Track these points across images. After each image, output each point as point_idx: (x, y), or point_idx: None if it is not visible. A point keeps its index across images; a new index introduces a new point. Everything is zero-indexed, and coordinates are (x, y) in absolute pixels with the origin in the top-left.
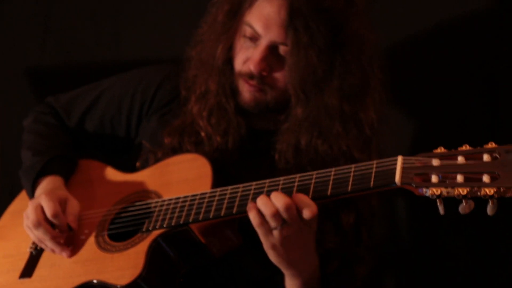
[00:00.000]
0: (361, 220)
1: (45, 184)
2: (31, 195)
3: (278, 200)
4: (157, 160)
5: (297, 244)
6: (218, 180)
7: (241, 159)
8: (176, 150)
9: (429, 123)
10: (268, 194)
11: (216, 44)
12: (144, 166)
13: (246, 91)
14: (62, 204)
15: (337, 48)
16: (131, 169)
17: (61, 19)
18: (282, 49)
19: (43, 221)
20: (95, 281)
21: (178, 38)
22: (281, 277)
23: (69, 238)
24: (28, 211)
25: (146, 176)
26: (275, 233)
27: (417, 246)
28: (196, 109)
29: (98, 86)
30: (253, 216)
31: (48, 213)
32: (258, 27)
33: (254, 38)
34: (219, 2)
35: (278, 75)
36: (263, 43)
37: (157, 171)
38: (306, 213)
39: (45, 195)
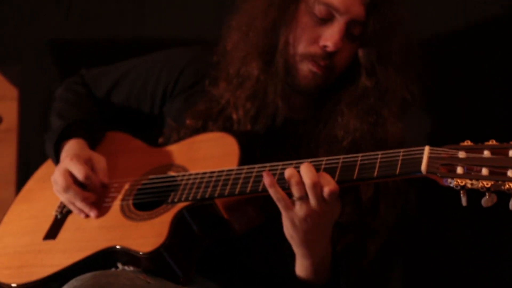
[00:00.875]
0: (380, 195)
1: (68, 147)
2: (54, 157)
3: (306, 172)
4: (180, 138)
5: (315, 226)
6: (244, 159)
7: (268, 143)
8: (199, 132)
9: (450, 119)
10: None
11: (269, 26)
12: (167, 143)
13: (309, 72)
14: (88, 164)
15: (400, 25)
16: (154, 144)
17: None
18: (356, 28)
19: (72, 184)
20: (118, 246)
21: (203, 19)
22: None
23: (95, 203)
24: (55, 176)
25: (173, 151)
26: (296, 207)
27: (425, 236)
28: (229, 93)
29: (127, 63)
30: (272, 187)
31: (80, 176)
32: (339, 4)
33: (328, 17)
34: None
35: (345, 53)
36: (343, 20)
37: (184, 147)
38: (326, 190)
39: (69, 159)
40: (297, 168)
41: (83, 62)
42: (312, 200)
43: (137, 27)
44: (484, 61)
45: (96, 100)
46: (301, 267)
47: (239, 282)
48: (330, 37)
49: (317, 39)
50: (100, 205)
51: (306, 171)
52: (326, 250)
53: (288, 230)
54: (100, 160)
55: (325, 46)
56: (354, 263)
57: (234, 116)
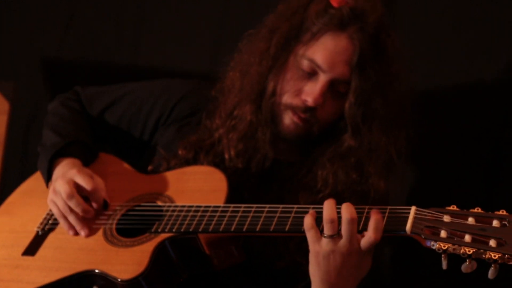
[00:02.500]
0: None
1: (65, 164)
2: (45, 172)
3: (347, 209)
4: (169, 168)
5: (337, 268)
6: (231, 198)
7: (256, 185)
8: (189, 163)
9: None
10: (279, 217)
11: (263, 72)
12: (156, 171)
13: (291, 122)
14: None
15: (387, 85)
16: (143, 171)
17: (84, 16)
18: (340, 86)
19: (76, 194)
20: (97, 270)
21: (197, 52)
22: None
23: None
24: (57, 185)
25: (161, 180)
26: (324, 241)
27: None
28: (223, 131)
29: (124, 86)
30: (308, 217)
31: (88, 187)
32: (322, 63)
33: (313, 72)
34: (265, 32)
35: (328, 108)
36: (325, 78)
37: (172, 177)
38: (367, 234)
39: (77, 172)
40: (284, 211)
41: (75, 83)
42: (344, 237)
43: (132, 54)
44: (473, 124)
45: (89, 119)
46: None
47: None
48: (310, 92)
49: (300, 92)
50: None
51: (348, 208)
52: None
53: (311, 266)
54: (100, 182)
55: (305, 100)
56: None
57: (226, 156)
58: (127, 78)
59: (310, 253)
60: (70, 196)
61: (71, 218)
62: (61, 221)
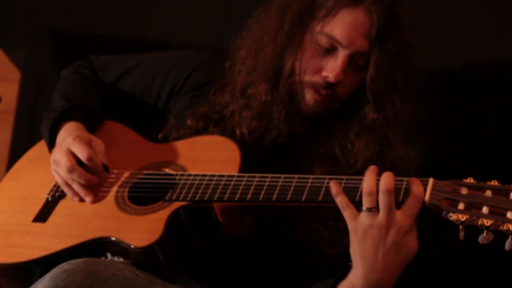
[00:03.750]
0: None
1: (67, 128)
2: (47, 135)
3: (384, 180)
4: (179, 137)
5: (377, 244)
6: (244, 168)
7: (269, 159)
8: (199, 133)
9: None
10: (295, 187)
11: (279, 52)
12: (166, 139)
13: (312, 100)
14: (89, 144)
15: (405, 55)
16: (153, 139)
17: None
18: (361, 58)
19: (77, 165)
20: (113, 238)
21: (204, 25)
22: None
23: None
24: (56, 156)
25: (173, 149)
26: (362, 216)
27: None
28: (235, 109)
29: (138, 56)
30: (340, 196)
31: (83, 157)
32: (341, 38)
33: (332, 48)
34: (276, 10)
35: (348, 82)
36: (345, 53)
37: (185, 146)
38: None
39: (72, 139)
40: (299, 182)
41: (83, 54)
42: (381, 210)
43: (139, 26)
44: (492, 96)
45: (101, 87)
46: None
47: (224, 286)
48: (331, 69)
49: (320, 69)
50: (95, 192)
51: (388, 177)
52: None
53: (351, 245)
54: (98, 143)
55: (326, 77)
56: None
57: (237, 132)
58: (134, 51)
59: (350, 232)
60: (71, 170)
61: (75, 186)
62: (65, 189)
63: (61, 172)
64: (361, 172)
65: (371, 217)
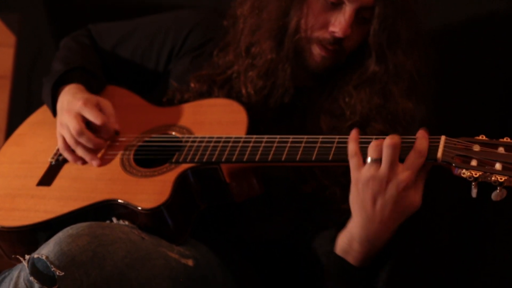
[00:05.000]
0: None
1: (67, 90)
2: (49, 99)
3: (391, 135)
4: (183, 100)
5: (376, 197)
6: (251, 131)
7: (276, 117)
8: (204, 96)
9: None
10: (305, 147)
11: (283, 8)
12: (170, 103)
13: (319, 56)
14: (98, 107)
15: (408, 6)
16: (157, 104)
17: None
18: (365, 12)
19: (86, 130)
20: (120, 200)
21: None
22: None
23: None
24: (64, 119)
25: (177, 112)
26: (365, 167)
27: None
28: (240, 69)
29: (135, 21)
30: (352, 143)
31: (98, 121)
32: None
33: (337, 2)
34: None
35: (355, 36)
36: (351, 8)
37: (190, 109)
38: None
39: (82, 103)
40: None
41: (76, 16)
42: (383, 162)
43: None
44: (499, 53)
45: (100, 54)
46: (345, 237)
47: (231, 248)
48: (338, 24)
49: (327, 24)
50: (100, 156)
51: (393, 135)
52: (382, 240)
53: (351, 195)
54: (107, 105)
55: (333, 32)
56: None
57: (243, 92)
58: (130, 12)
59: (352, 182)
60: (80, 133)
61: (79, 151)
62: (65, 154)
63: (67, 136)
64: (360, 125)
65: (374, 168)
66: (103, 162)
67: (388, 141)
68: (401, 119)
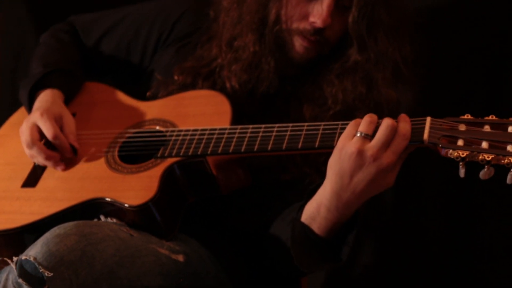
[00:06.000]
0: None
1: (42, 97)
2: (27, 105)
3: (390, 118)
4: (168, 93)
5: (355, 171)
6: (235, 122)
7: (260, 108)
8: (188, 88)
9: (444, 90)
10: (290, 136)
11: (260, 1)
12: (155, 97)
13: (302, 47)
14: (58, 121)
15: None
16: (142, 98)
17: None
18: (345, 0)
19: (37, 141)
20: (107, 198)
21: None
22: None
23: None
24: (22, 128)
25: (160, 106)
26: (355, 138)
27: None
28: (224, 63)
29: (120, 11)
30: (359, 119)
31: (48, 135)
32: None
33: None
34: None
35: (336, 25)
36: None
37: (172, 102)
38: (397, 139)
39: (40, 114)
40: (294, 130)
41: (58, 12)
42: (375, 140)
43: None
44: (482, 33)
45: (83, 49)
46: (314, 202)
47: (221, 241)
48: (318, 14)
49: (306, 15)
50: (83, 156)
51: (389, 119)
52: (350, 211)
53: (332, 157)
54: (70, 122)
55: (313, 23)
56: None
57: (228, 85)
58: (114, 2)
59: (336, 146)
60: (30, 144)
61: (39, 160)
62: (33, 160)
63: (23, 145)
64: (343, 114)
65: (361, 142)
66: (88, 160)
67: (390, 122)
68: (384, 108)
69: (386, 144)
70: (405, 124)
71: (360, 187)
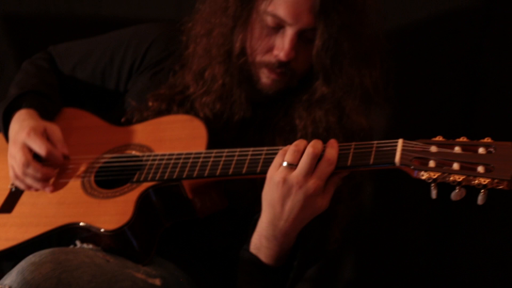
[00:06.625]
0: (345, 179)
1: (18, 116)
2: (2, 126)
3: (314, 143)
4: (142, 119)
5: (285, 197)
6: (211, 145)
7: (234, 135)
8: (163, 114)
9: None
10: (265, 159)
11: (227, 33)
12: (129, 122)
13: (268, 78)
14: (44, 135)
15: (355, 23)
16: (117, 123)
17: None
18: (309, 33)
19: (32, 160)
20: (81, 223)
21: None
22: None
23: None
24: (12, 151)
25: (137, 131)
26: (281, 168)
27: (379, 232)
28: (195, 94)
29: (94, 39)
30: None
31: (42, 152)
32: (286, 16)
33: (278, 27)
34: None
35: (302, 58)
36: (292, 31)
37: (149, 127)
38: (322, 164)
39: (26, 133)
40: (268, 154)
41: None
42: (298, 168)
43: (95, 4)
44: (449, 53)
45: (59, 76)
46: (256, 234)
47: (197, 264)
48: (281, 47)
49: (271, 48)
50: (58, 181)
51: (316, 141)
52: (289, 239)
53: (264, 189)
54: (54, 131)
55: (277, 56)
56: (314, 247)
57: (201, 115)
58: (90, 29)
59: (267, 177)
60: (26, 165)
61: (29, 181)
62: (17, 183)
63: (15, 167)
64: None
65: (286, 172)
66: (64, 185)
67: (310, 150)
68: (356, 135)
69: (309, 171)
70: (331, 150)
71: (292, 214)
